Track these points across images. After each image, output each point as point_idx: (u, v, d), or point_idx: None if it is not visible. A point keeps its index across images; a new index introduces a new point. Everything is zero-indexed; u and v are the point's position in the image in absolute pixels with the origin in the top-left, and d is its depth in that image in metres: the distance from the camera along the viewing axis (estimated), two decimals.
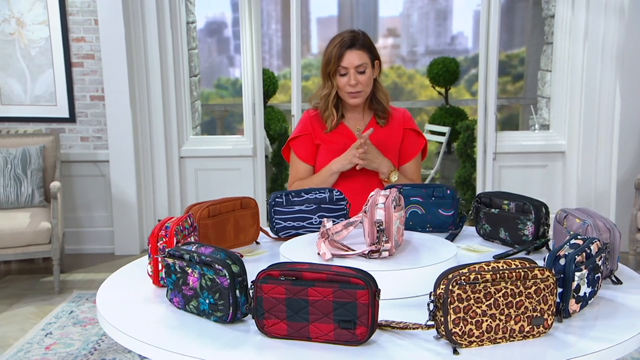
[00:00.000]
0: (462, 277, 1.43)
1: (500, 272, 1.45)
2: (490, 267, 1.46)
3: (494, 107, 5.17)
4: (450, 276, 1.45)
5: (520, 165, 5.41)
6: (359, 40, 2.61)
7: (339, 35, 2.64)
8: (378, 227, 1.81)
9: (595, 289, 1.66)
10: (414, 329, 1.50)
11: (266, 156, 6.10)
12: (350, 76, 2.59)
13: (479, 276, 1.43)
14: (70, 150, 5.20)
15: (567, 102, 5.34)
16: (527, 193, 5.16)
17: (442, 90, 7.80)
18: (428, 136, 7.36)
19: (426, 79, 7.89)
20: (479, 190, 5.38)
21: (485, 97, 5.19)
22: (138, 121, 5.15)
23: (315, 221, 2.31)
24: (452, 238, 2.28)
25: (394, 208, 1.84)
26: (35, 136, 4.81)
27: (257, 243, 2.33)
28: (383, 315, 1.57)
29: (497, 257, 2.01)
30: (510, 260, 1.50)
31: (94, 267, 4.89)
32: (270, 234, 2.36)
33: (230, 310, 1.56)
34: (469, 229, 2.41)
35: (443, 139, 7.06)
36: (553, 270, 1.58)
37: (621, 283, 1.84)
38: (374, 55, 2.65)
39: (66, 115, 5.17)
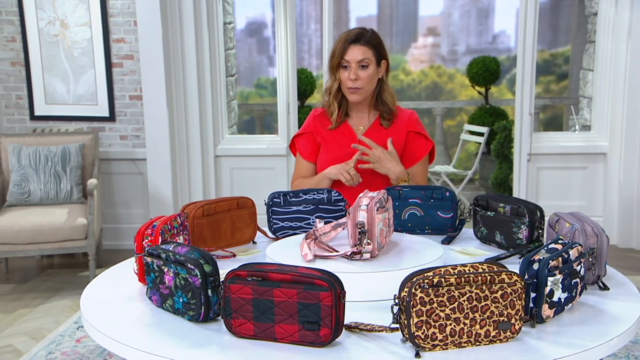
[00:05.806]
0: (426, 281, 1.42)
1: (466, 275, 1.44)
2: (455, 271, 1.45)
3: (528, 108, 5.07)
4: (414, 279, 1.44)
5: (559, 166, 5.30)
6: (365, 36, 2.61)
7: (347, 31, 2.65)
8: (360, 228, 1.81)
9: (573, 294, 1.62)
10: (379, 331, 1.50)
11: None
12: (351, 70, 2.59)
13: (442, 280, 1.43)
14: (110, 149, 5.32)
15: (609, 102, 5.21)
16: (567, 195, 5.16)
17: (482, 90, 7.67)
18: (467, 136, 7.23)
19: (466, 79, 7.77)
20: (515, 192, 5.30)
21: (521, 97, 5.10)
22: (175, 120, 5.24)
23: (313, 222, 2.32)
24: (449, 240, 2.26)
25: (377, 210, 1.83)
26: (75, 135, 4.93)
27: (254, 243, 2.35)
28: (359, 317, 1.57)
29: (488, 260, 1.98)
30: (477, 264, 1.49)
31: None
32: (269, 233, 2.38)
33: (202, 310, 1.58)
34: (468, 232, 2.38)
35: (482, 139, 6.95)
36: (526, 275, 1.56)
37: (608, 289, 1.79)
38: (380, 55, 2.64)
39: (106, 114, 5.30)
